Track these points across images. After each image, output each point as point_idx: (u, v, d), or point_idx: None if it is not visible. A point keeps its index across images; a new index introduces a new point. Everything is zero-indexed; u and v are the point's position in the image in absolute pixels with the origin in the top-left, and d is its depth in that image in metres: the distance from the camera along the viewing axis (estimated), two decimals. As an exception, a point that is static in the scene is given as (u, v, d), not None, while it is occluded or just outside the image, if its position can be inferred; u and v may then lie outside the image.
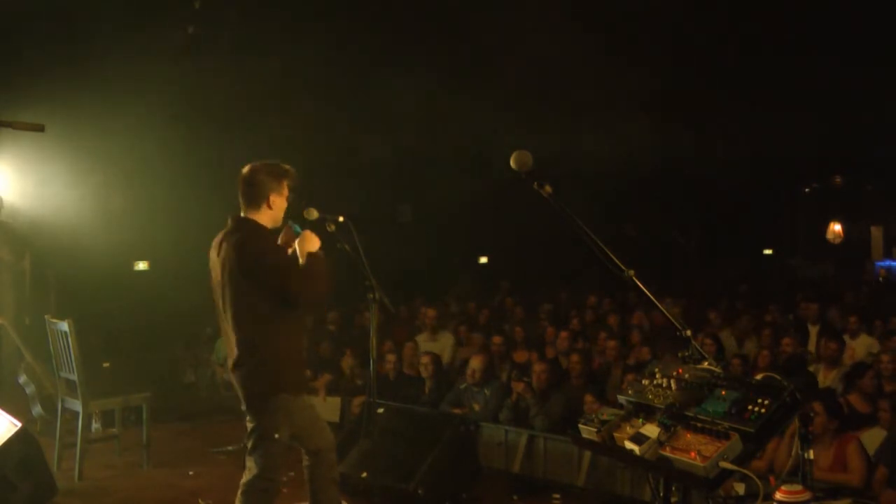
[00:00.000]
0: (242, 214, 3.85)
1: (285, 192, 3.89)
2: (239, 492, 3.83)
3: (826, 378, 6.68)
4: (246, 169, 3.85)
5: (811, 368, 6.90)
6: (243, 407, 3.84)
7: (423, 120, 9.86)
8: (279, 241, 3.97)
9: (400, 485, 5.24)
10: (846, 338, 7.53)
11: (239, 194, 3.85)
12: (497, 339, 7.89)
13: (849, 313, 8.27)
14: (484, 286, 13.05)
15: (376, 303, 4.32)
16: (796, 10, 8.36)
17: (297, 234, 3.90)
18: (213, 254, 3.88)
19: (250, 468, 3.82)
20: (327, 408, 7.82)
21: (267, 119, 9.39)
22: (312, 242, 3.84)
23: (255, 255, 3.70)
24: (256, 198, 3.81)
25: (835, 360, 6.81)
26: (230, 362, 3.84)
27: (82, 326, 6.18)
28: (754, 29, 8.93)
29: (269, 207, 3.83)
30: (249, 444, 3.83)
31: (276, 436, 3.76)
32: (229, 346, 3.85)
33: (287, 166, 3.93)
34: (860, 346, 7.51)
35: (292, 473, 6.30)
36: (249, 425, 3.84)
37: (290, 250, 3.87)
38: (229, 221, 3.87)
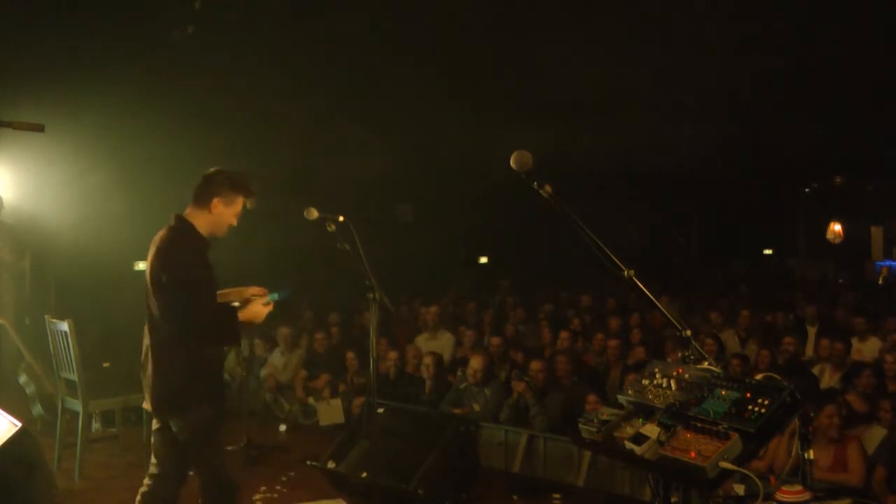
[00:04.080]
0: (185, 212, 3.74)
1: (236, 207, 3.76)
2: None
3: (832, 379, 6.69)
4: (212, 168, 3.79)
5: (816, 370, 6.90)
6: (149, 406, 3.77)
7: (424, 120, 9.86)
8: (248, 293, 3.85)
9: (400, 485, 5.24)
10: (854, 340, 7.53)
11: (191, 191, 3.76)
12: (496, 340, 7.90)
13: (854, 314, 8.27)
14: (484, 286, 13.06)
15: (376, 303, 4.32)
16: (796, 10, 8.35)
17: (271, 301, 3.83)
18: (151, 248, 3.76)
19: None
20: (331, 410, 7.83)
21: (267, 119, 9.39)
22: (255, 315, 3.76)
23: (171, 263, 3.57)
24: (203, 197, 3.71)
25: (842, 361, 6.81)
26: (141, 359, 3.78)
27: (82, 326, 6.18)
28: (754, 29, 8.92)
29: (210, 212, 3.70)
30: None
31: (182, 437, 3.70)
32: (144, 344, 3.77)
33: (251, 186, 3.82)
34: (869, 348, 7.50)
35: (292, 473, 6.33)
36: (156, 425, 3.84)
37: (236, 301, 3.77)
38: (172, 218, 3.76)
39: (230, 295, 3.84)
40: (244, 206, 3.83)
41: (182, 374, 3.62)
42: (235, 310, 3.70)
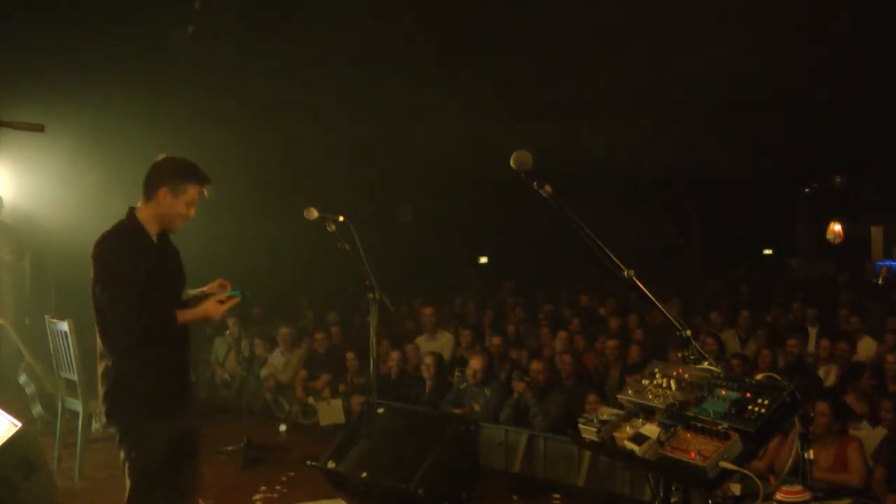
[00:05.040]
0: (136, 204, 3.49)
1: (187, 196, 3.44)
2: None
3: (835, 379, 6.70)
4: (159, 156, 3.53)
5: (821, 371, 6.91)
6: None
7: (424, 120, 9.86)
8: (207, 289, 3.59)
9: (400, 485, 5.24)
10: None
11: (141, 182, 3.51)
12: (496, 340, 7.90)
13: (851, 314, 8.28)
14: (484, 286, 13.06)
15: (376, 303, 4.32)
16: (796, 10, 8.35)
17: (233, 297, 3.54)
18: None
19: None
20: (331, 410, 7.83)
21: (267, 119, 9.39)
22: (208, 312, 3.48)
23: (103, 258, 3.31)
24: (148, 188, 3.43)
25: (845, 362, 6.82)
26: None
27: (82, 326, 6.18)
28: (754, 29, 8.92)
29: (158, 203, 3.41)
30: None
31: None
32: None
33: (201, 172, 3.51)
34: (864, 347, 7.51)
35: (292, 473, 6.33)
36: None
37: (197, 298, 3.52)
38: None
39: (191, 294, 3.61)
40: (201, 195, 3.53)
41: (121, 385, 3.35)
42: (171, 313, 3.37)
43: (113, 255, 3.32)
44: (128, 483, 3.41)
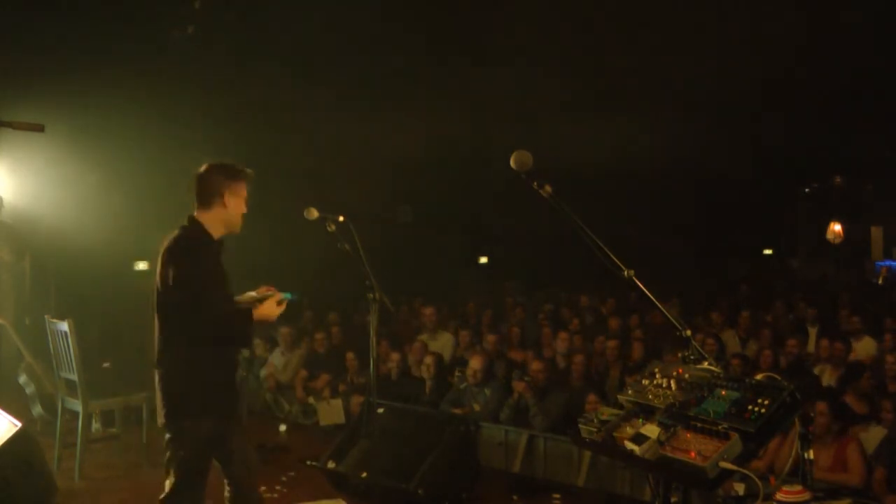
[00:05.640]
0: (194, 214, 3.65)
1: (243, 193, 3.68)
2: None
3: (832, 379, 6.69)
4: (202, 167, 3.68)
5: (816, 370, 6.90)
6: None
7: (424, 120, 9.86)
8: (257, 293, 3.69)
9: (400, 485, 5.24)
10: (850, 340, 7.53)
11: (193, 194, 3.66)
12: (491, 338, 7.90)
13: (852, 314, 8.28)
14: (485, 286, 13.05)
15: (376, 303, 4.32)
16: (796, 10, 8.36)
17: (284, 300, 3.68)
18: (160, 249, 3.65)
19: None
20: (331, 410, 7.83)
21: (267, 119, 9.39)
22: (269, 313, 3.61)
23: (177, 263, 3.46)
24: (208, 196, 3.61)
25: (841, 361, 6.81)
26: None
27: (82, 326, 6.18)
28: (754, 30, 8.93)
29: (224, 206, 3.61)
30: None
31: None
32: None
33: (245, 168, 3.72)
34: (863, 347, 7.51)
35: (292, 473, 6.33)
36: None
37: (255, 301, 3.62)
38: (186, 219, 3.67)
39: (244, 298, 3.73)
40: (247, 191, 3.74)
41: (184, 382, 3.49)
42: (248, 310, 3.55)
43: (185, 258, 3.48)
44: (171, 480, 3.53)
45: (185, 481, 3.51)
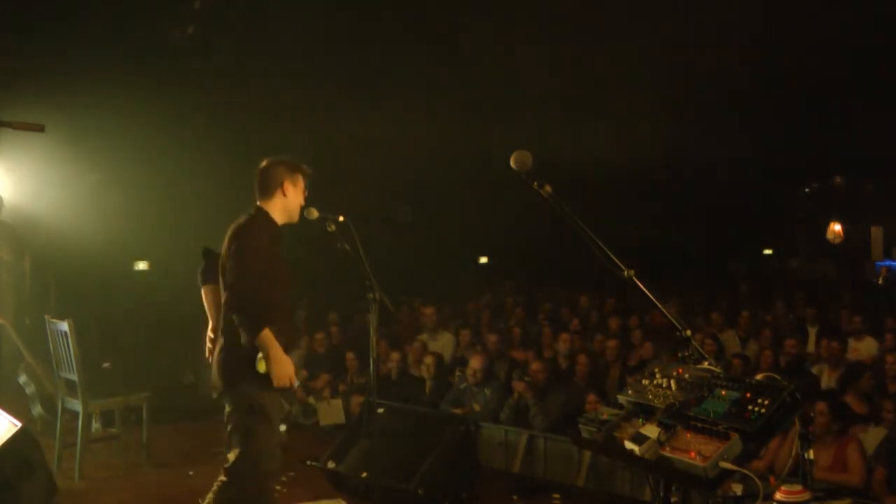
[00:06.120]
0: (258, 203, 3.91)
1: (300, 185, 3.95)
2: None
3: (830, 379, 6.69)
4: (264, 161, 3.95)
5: (815, 370, 6.90)
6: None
7: (424, 120, 9.86)
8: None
9: (400, 485, 5.24)
10: (850, 339, 7.53)
11: (255, 187, 3.91)
12: (492, 338, 7.89)
13: (853, 314, 8.27)
14: (485, 286, 13.04)
15: (376, 303, 4.31)
16: (796, 11, 8.36)
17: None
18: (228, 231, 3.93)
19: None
20: (331, 410, 7.82)
21: (266, 119, 9.39)
22: (282, 367, 3.90)
23: (244, 243, 3.71)
24: (270, 186, 3.88)
25: (839, 361, 6.81)
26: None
27: (82, 326, 6.17)
28: (754, 30, 8.93)
29: (284, 195, 3.88)
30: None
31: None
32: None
33: (304, 165, 4.01)
34: (865, 346, 7.51)
35: (292, 473, 6.32)
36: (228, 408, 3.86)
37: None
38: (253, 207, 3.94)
39: None
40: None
41: (238, 357, 3.76)
42: (270, 335, 3.81)
43: (253, 240, 3.72)
44: (236, 450, 3.76)
45: (251, 446, 3.74)
